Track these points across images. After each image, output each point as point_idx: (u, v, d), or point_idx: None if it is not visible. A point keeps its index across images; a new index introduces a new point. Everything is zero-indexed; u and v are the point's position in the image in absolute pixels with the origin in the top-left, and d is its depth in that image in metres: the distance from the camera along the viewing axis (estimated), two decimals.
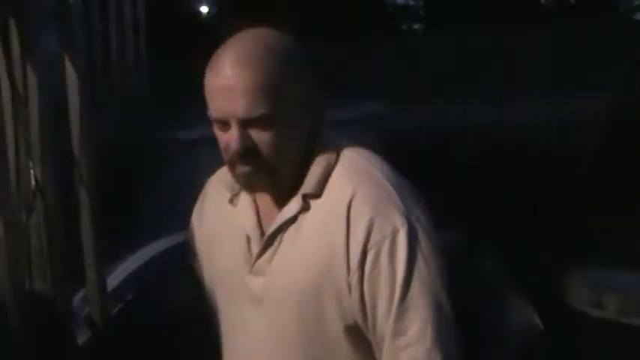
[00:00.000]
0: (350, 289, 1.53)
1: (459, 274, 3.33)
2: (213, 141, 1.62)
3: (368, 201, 1.54)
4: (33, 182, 2.34)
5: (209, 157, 1.77)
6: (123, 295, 2.88)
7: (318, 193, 1.57)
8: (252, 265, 1.61)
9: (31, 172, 2.35)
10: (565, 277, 4.24)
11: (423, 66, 8.07)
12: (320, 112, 1.62)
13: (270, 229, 1.59)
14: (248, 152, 1.53)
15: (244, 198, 1.66)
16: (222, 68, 1.51)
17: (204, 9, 10.91)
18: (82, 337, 2.63)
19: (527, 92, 7.15)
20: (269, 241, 1.59)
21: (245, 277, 1.62)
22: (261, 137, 1.53)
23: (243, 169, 1.56)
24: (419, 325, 1.53)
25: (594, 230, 4.82)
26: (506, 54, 7.94)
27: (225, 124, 1.54)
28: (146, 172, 4.98)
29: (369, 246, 1.52)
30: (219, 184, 1.72)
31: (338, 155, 1.60)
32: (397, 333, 1.53)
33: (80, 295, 2.72)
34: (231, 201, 1.68)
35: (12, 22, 2.30)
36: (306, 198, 1.57)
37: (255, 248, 1.61)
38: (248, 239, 1.62)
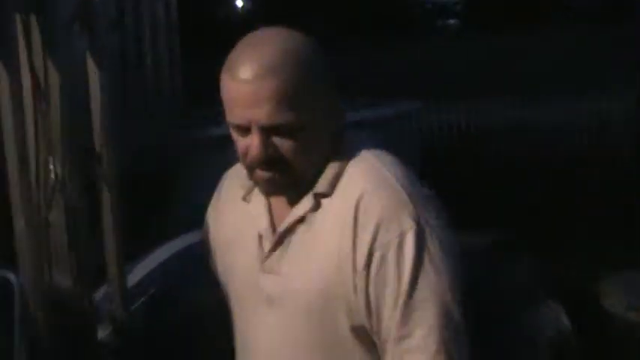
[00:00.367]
0: (356, 290, 1.52)
1: (489, 275, 3.32)
2: None
3: (377, 202, 1.52)
4: (53, 178, 2.36)
5: None
6: (145, 291, 2.89)
7: (329, 192, 1.56)
8: (264, 263, 1.60)
9: (52, 168, 2.37)
10: (598, 280, 4.18)
11: (458, 64, 8.01)
12: (341, 113, 1.60)
13: (280, 228, 1.58)
14: (269, 159, 1.51)
15: (257, 195, 1.65)
16: (243, 73, 1.47)
17: (239, 3, 10.96)
18: (104, 333, 2.64)
19: (563, 92, 7.06)
20: (280, 239, 1.58)
21: (257, 275, 1.61)
22: (283, 144, 1.51)
23: (263, 174, 1.54)
24: (424, 330, 1.50)
25: (633, 233, 4.74)
26: (539, 53, 7.85)
27: (245, 130, 1.51)
28: (181, 169, 5.01)
29: (376, 247, 1.50)
30: (233, 181, 1.71)
31: (353, 155, 1.58)
32: (401, 337, 1.51)
33: (102, 290, 2.74)
34: (245, 198, 1.67)
35: (34, 20, 2.31)
36: (317, 197, 1.56)
37: (267, 246, 1.60)
38: (260, 237, 1.61)
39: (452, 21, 11.35)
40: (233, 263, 1.69)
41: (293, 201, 1.58)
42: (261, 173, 1.54)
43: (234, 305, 1.72)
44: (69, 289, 2.44)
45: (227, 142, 1.62)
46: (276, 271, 1.58)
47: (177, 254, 2.97)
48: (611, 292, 4.19)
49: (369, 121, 5.27)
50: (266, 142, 1.49)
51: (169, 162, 5.03)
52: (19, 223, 2.35)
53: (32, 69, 2.31)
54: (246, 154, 1.53)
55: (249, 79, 1.46)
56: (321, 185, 1.55)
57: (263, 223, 1.61)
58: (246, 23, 10.58)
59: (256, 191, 1.65)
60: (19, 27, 2.28)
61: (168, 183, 4.97)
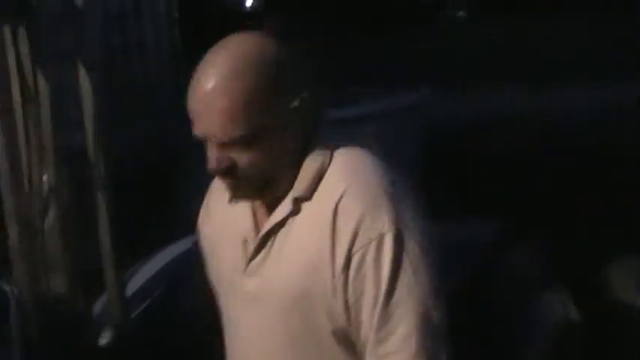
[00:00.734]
0: (335, 293, 1.50)
1: (495, 263, 3.28)
2: None
3: (355, 204, 1.50)
4: (46, 184, 2.34)
5: None
6: (146, 297, 2.88)
7: (308, 196, 1.54)
8: (247, 265, 1.59)
9: (44, 174, 2.35)
10: (606, 271, 4.14)
11: (468, 54, 7.94)
12: (317, 114, 1.57)
13: (261, 232, 1.57)
14: (227, 170, 1.51)
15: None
16: (199, 87, 1.47)
17: (248, 2, 10.91)
18: (104, 339, 2.63)
19: (574, 81, 6.99)
20: (261, 243, 1.57)
21: (241, 277, 1.60)
22: (241, 157, 1.50)
23: (225, 182, 1.55)
24: (402, 333, 1.48)
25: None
26: (550, 41, 7.77)
27: (206, 140, 1.51)
28: (182, 160, 5.01)
29: (354, 250, 1.48)
30: (221, 185, 1.70)
31: (331, 157, 1.55)
32: (380, 340, 1.49)
33: (103, 298, 2.72)
34: (231, 200, 1.66)
35: (22, 25, 2.29)
36: (296, 201, 1.54)
37: (250, 249, 1.59)
38: (244, 240, 1.60)
39: (461, 13, 11.30)
40: (220, 264, 1.69)
41: (275, 204, 1.56)
42: (223, 181, 1.55)
43: (222, 306, 1.72)
44: (64, 295, 2.43)
45: None
46: (259, 273, 1.57)
47: (178, 259, 2.95)
48: (620, 280, 4.15)
49: (375, 112, 5.25)
50: (221, 156, 1.50)
51: (170, 153, 5.04)
52: (13, 231, 2.33)
53: (21, 77, 2.28)
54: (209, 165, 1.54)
55: (201, 97, 1.47)
56: (299, 189, 1.54)
57: (246, 226, 1.60)
58: (252, 14, 10.55)
59: None
60: (8, 36, 2.25)
61: (169, 173, 4.98)
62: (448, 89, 6.52)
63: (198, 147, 1.62)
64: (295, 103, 1.51)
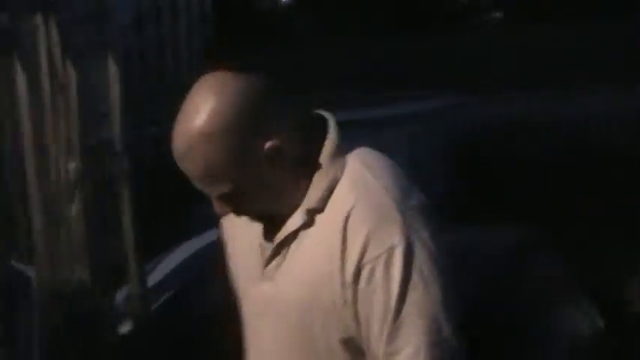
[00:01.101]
0: (345, 304, 1.49)
1: (520, 272, 3.25)
2: None
3: (366, 216, 1.49)
4: (72, 174, 2.36)
5: None
6: (167, 289, 2.89)
7: (321, 207, 1.52)
8: (263, 271, 1.58)
9: (70, 164, 2.37)
10: (634, 280, 4.09)
11: (503, 57, 7.87)
12: (315, 134, 1.55)
13: (275, 241, 1.56)
14: (232, 212, 1.54)
15: None
16: (175, 148, 1.48)
17: None
18: (124, 330, 2.65)
19: (609, 86, 6.89)
20: (275, 252, 1.56)
21: (257, 281, 1.60)
22: (238, 202, 1.52)
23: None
24: (412, 348, 1.46)
25: None
26: (588, 46, 7.67)
27: None
28: None
29: (364, 262, 1.46)
30: None
31: (343, 166, 1.54)
32: (389, 354, 1.47)
33: (125, 290, 2.74)
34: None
35: (53, 17, 2.32)
36: (309, 213, 1.53)
37: (266, 256, 1.58)
38: (261, 246, 1.60)
39: (497, 14, 11.18)
40: (239, 266, 1.69)
41: (290, 213, 1.55)
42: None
43: (240, 306, 1.71)
44: (86, 284, 2.45)
45: None
46: (272, 279, 1.57)
47: (200, 252, 2.97)
48: None
49: (404, 115, 5.23)
50: (219, 204, 1.52)
51: None
52: (38, 220, 2.36)
53: (51, 68, 2.31)
54: None
55: (178, 159, 1.48)
56: (312, 200, 1.53)
57: (263, 231, 1.59)
58: (286, 12, 10.56)
59: None
60: (39, 28, 2.28)
61: None
62: (475, 93, 6.48)
63: None
64: (277, 145, 1.49)
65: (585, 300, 3.47)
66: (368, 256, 1.47)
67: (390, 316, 1.46)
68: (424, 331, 1.46)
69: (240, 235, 1.68)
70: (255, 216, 1.58)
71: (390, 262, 1.46)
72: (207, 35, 5.51)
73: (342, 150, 1.57)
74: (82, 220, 2.39)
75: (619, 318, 3.58)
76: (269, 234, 1.58)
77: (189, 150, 1.47)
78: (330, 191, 1.53)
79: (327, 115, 1.61)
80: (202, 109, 1.48)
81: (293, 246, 1.55)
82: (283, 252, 1.56)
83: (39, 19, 2.31)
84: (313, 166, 1.54)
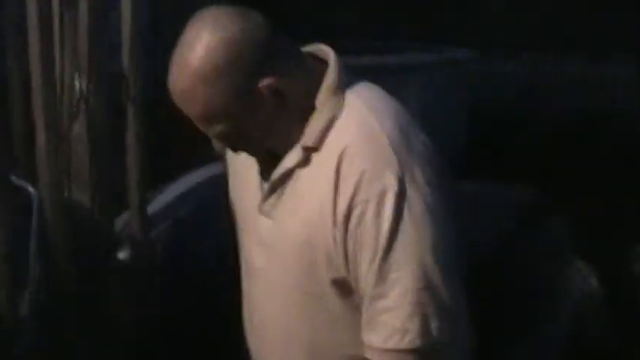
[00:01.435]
0: (335, 242, 1.49)
1: (527, 232, 3.24)
2: None
3: (359, 157, 1.47)
4: (78, 93, 2.33)
5: None
6: (168, 217, 2.88)
7: (317, 146, 1.52)
8: (261, 206, 1.60)
9: (77, 82, 2.33)
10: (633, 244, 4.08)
11: (519, 15, 7.75)
12: (316, 71, 1.54)
13: (272, 177, 1.57)
14: (230, 148, 1.59)
15: None
16: (172, 87, 1.50)
17: None
18: (122, 255, 2.64)
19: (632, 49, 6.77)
20: (271, 189, 1.58)
21: (256, 215, 1.61)
22: (236, 140, 1.54)
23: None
24: (399, 290, 1.45)
25: None
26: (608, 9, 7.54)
27: None
28: None
29: (355, 203, 1.46)
30: None
31: (342, 104, 1.52)
32: (377, 296, 1.47)
33: (125, 216, 2.72)
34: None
35: None
36: (306, 150, 1.53)
37: (264, 191, 1.60)
38: (261, 180, 1.61)
39: None
40: (240, 197, 1.71)
41: (289, 150, 1.57)
42: None
43: (239, 237, 1.74)
44: (87, 204, 2.43)
45: None
46: (270, 215, 1.58)
47: (204, 182, 2.95)
48: None
49: (418, 64, 5.18)
50: (216, 141, 1.56)
51: None
52: (41, 137, 2.33)
53: None
54: None
55: (176, 98, 1.50)
56: (309, 138, 1.52)
57: (263, 167, 1.61)
58: None
59: None
60: None
61: None
62: (494, 52, 6.39)
63: None
64: (275, 83, 1.48)
65: (580, 261, 3.47)
66: (359, 198, 1.45)
67: (378, 259, 1.44)
68: (412, 275, 1.44)
69: (243, 169, 1.68)
70: (254, 154, 1.57)
71: (381, 206, 1.44)
72: None
73: (343, 87, 1.54)
74: (85, 138, 2.36)
75: (617, 281, 3.57)
76: (268, 172, 1.58)
77: (185, 91, 1.46)
78: (326, 130, 1.51)
79: (328, 50, 1.58)
80: (197, 48, 1.45)
81: (289, 184, 1.54)
82: (280, 190, 1.55)
83: None
84: (313, 105, 1.51)
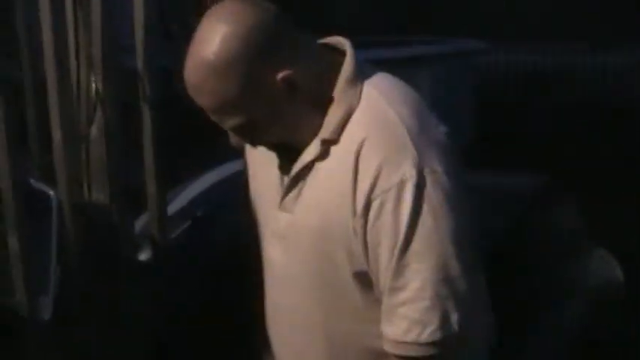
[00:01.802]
0: (355, 234, 1.48)
1: (540, 219, 3.21)
2: None
3: (378, 148, 1.46)
4: (94, 93, 2.32)
5: None
6: (188, 216, 2.87)
7: (335, 138, 1.51)
8: (282, 201, 1.59)
9: (93, 83, 2.32)
10: None
11: (532, 6, 7.74)
12: (332, 63, 1.53)
13: (292, 173, 1.57)
14: (247, 143, 1.59)
15: None
16: (187, 79, 1.49)
17: None
18: (142, 256, 2.63)
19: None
20: (292, 184, 1.57)
21: (275, 211, 1.61)
22: (252, 134, 1.54)
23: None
24: (418, 282, 1.44)
25: None
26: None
27: None
28: None
29: (374, 195, 1.45)
30: None
31: (360, 95, 1.51)
32: (396, 288, 1.46)
33: (145, 216, 2.71)
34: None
35: None
36: (324, 143, 1.52)
37: (284, 186, 1.60)
38: (281, 176, 1.61)
39: None
40: (260, 195, 1.70)
41: (306, 145, 1.56)
42: None
43: (259, 232, 1.73)
44: (105, 206, 2.42)
45: None
46: (291, 209, 1.57)
47: (223, 181, 2.94)
48: None
49: (425, 58, 5.18)
50: (233, 134, 1.56)
51: None
52: (57, 137, 2.32)
53: None
54: None
55: (191, 90, 1.49)
56: (326, 131, 1.51)
57: (282, 163, 1.61)
58: None
59: None
60: None
61: None
62: (501, 41, 6.37)
63: None
64: (290, 76, 1.47)
65: (602, 250, 3.44)
66: (378, 189, 1.44)
67: (397, 251, 1.43)
68: (431, 267, 1.43)
69: (262, 165, 1.67)
70: (272, 147, 1.56)
71: (400, 197, 1.43)
72: None
73: (360, 78, 1.53)
74: (102, 139, 2.35)
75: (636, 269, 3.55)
76: (287, 166, 1.57)
77: (200, 83, 1.46)
78: (344, 121, 1.50)
79: (344, 42, 1.57)
80: (212, 41, 1.45)
81: (309, 177, 1.53)
82: (300, 184, 1.55)
83: None
84: (330, 96, 1.50)
